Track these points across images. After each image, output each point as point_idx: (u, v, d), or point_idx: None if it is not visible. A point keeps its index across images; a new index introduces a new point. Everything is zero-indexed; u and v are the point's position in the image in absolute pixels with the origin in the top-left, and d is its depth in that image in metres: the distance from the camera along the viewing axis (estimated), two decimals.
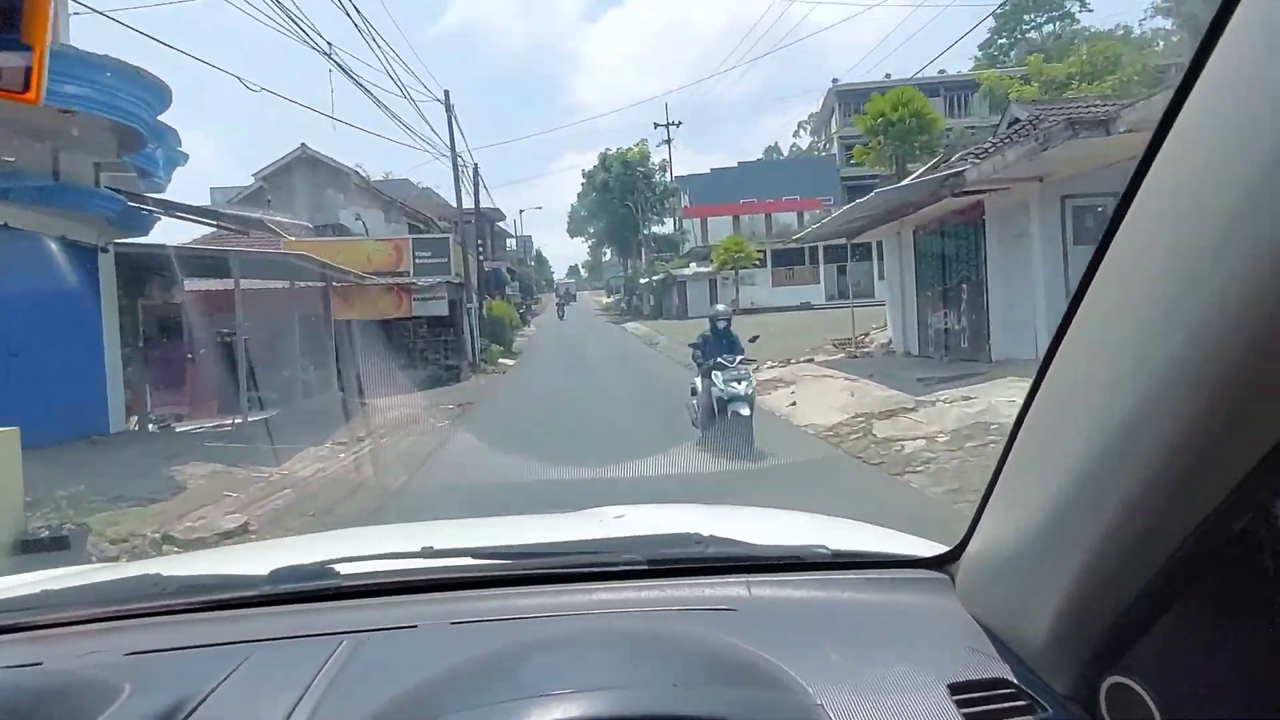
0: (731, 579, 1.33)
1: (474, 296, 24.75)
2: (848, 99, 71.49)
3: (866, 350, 18.85)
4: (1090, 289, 0.83)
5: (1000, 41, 69.16)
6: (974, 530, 1.18)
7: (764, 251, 46.66)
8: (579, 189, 65.24)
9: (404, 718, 0.94)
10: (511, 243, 75.37)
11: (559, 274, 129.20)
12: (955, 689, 0.99)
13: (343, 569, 1.38)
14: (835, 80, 71.04)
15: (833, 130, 74.24)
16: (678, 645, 1.10)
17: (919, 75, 65.66)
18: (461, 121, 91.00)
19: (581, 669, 1.01)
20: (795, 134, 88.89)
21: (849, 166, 71.14)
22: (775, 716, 0.92)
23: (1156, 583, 0.80)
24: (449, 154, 24.43)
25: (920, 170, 18.47)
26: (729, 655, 1.06)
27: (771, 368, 18.01)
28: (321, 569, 1.38)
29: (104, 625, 1.31)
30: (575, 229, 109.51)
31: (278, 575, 1.37)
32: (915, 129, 23.18)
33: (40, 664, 1.16)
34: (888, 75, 70.19)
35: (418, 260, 22.07)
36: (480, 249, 27.29)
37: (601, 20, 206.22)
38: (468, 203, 34.83)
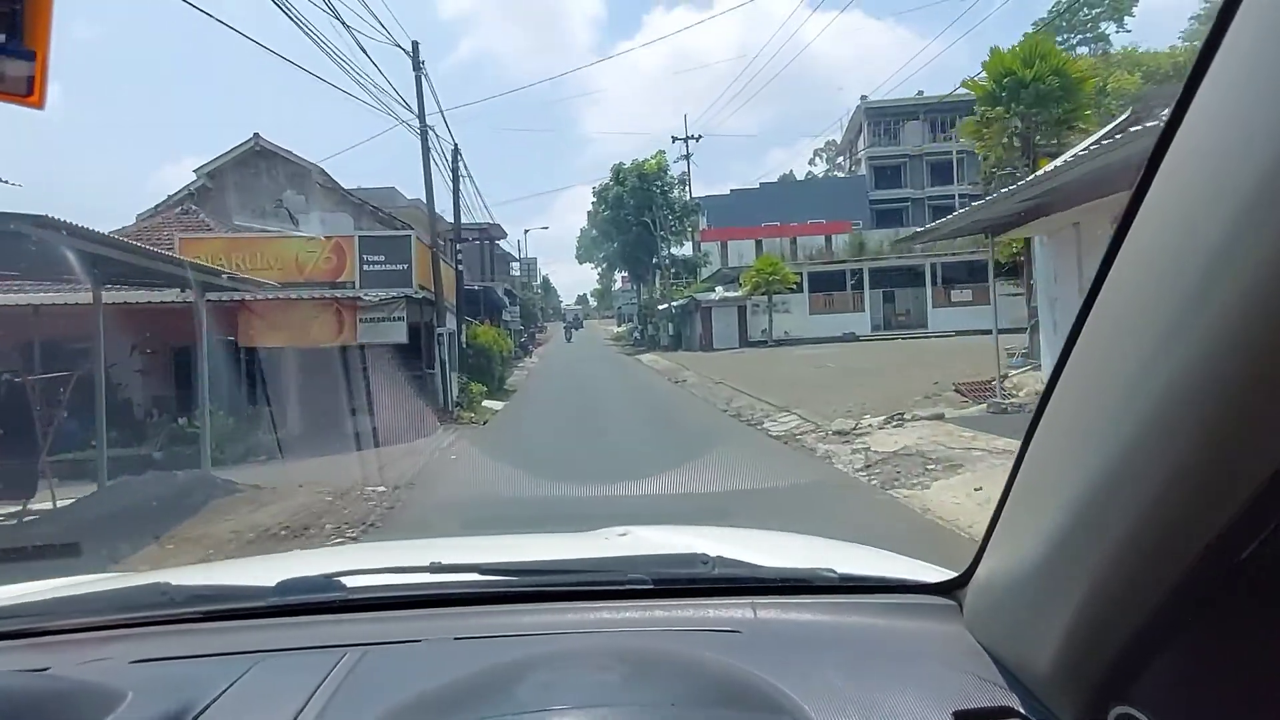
0: (736, 600, 1.31)
1: (448, 319, 18.51)
2: (878, 117, 66.29)
3: (1014, 399, 12.53)
4: (1093, 311, 0.82)
5: None
6: (981, 557, 1.16)
7: (800, 274, 40.57)
8: (589, 208, 59.53)
9: None
10: (515, 267, 69.66)
11: (567, 302, 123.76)
12: (961, 717, 0.97)
13: (349, 582, 1.38)
14: (864, 98, 66.00)
15: (860, 150, 69.16)
16: (680, 666, 1.09)
17: (955, 94, 60.43)
18: (470, 153, 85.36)
19: (581, 688, 1.00)
20: (811, 162, 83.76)
21: (880, 188, 66.27)
22: None
23: (1164, 611, 0.78)
24: (418, 125, 18.39)
25: (1095, 138, 12.26)
26: (731, 677, 1.05)
27: (884, 427, 11.74)
28: (328, 581, 1.38)
29: (111, 633, 1.32)
30: (584, 254, 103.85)
31: (284, 586, 1.36)
32: (1058, 93, 17.03)
33: (47, 669, 1.15)
34: (920, 93, 65.30)
35: (367, 267, 16.01)
36: (459, 262, 21.11)
37: (611, 53, 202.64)
38: (455, 211, 28.91)
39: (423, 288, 16.92)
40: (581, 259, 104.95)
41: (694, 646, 1.16)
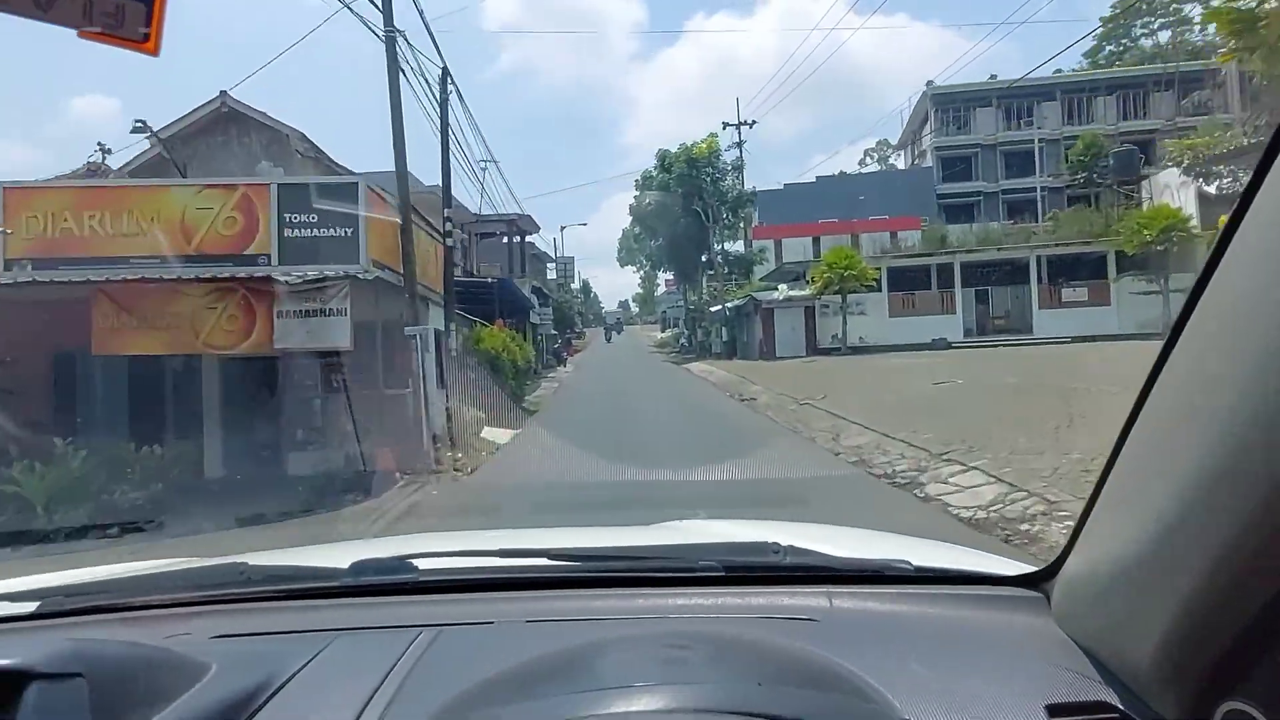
0: (811, 589, 1.30)
1: (430, 316, 12.87)
2: (945, 104, 60.14)
3: None
4: (1206, 292, 0.80)
5: (1109, 49, 62.80)
6: (1071, 548, 1.13)
7: (878, 270, 34.48)
8: (631, 201, 54.04)
9: (481, 706, 0.93)
10: (550, 269, 64.41)
11: (608, 307, 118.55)
12: (1054, 711, 0.95)
13: (422, 564, 1.40)
14: (930, 83, 59.92)
15: (926, 141, 63.14)
16: (759, 650, 1.08)
17: (1030, 77, 54.11)
18: (509, 165, 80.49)
19: (663, 665, 0.99)
20: (862, 162, 77.48)
21: (949, 181, 59.98)
22: None
23: (1276, 605, 0.76)
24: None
25: None
26: (811, 662, 1.04)
27: None
28: (400, 563, 1.41)
29: (192, 609, 1.35)
30: (626, 256, 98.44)
31: (358, 567, 1.40)
32: None
33: (135, 642, 1.14)
34: (993, 76, 58.98)
35: (293, 233, 10.47)
36: (447, 235, 15.48)
37: (651, 61, 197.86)
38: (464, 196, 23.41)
39: (383, 265, 11.31)
40: (623, 261, 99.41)
41: (770, 633, 1.13)
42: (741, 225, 47.65)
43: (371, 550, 1.57)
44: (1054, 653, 1.07)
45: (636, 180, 49.07)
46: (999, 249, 35.54)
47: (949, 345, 32.60)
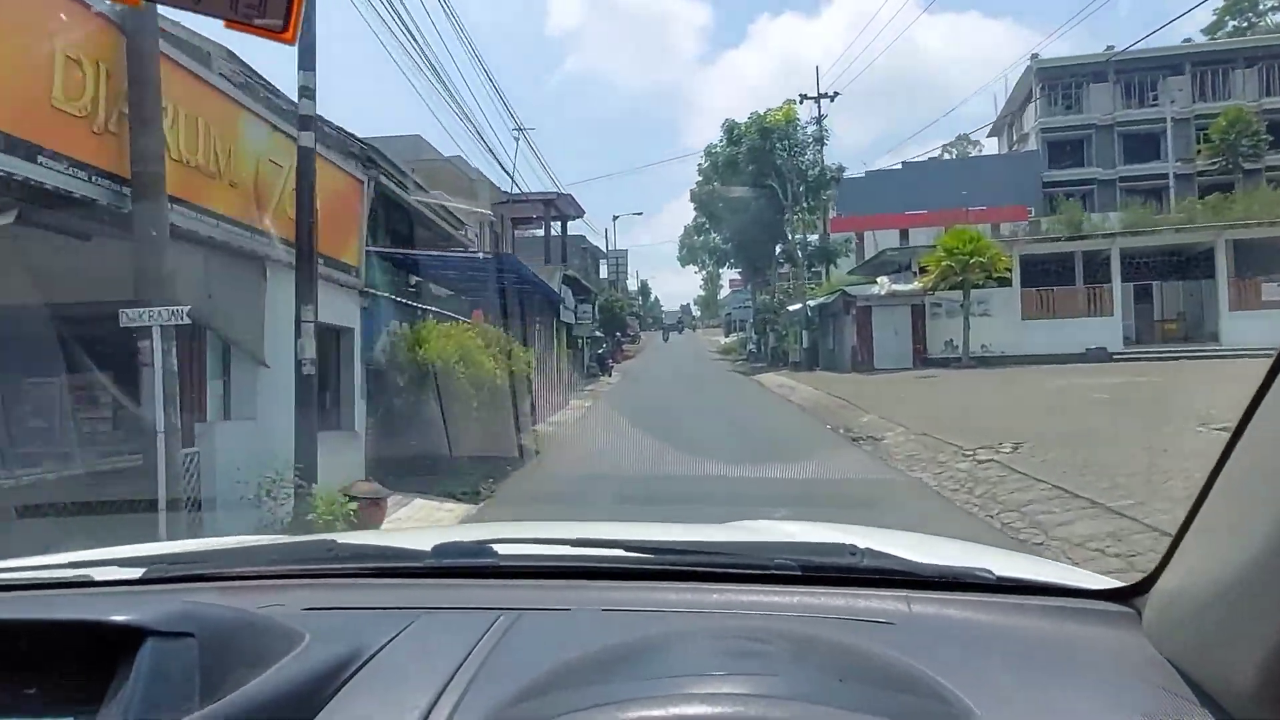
0: (889, 593, 1.27)
1: (307, 305, 5.70)
2: (1053, 80, 52.00)
3: None
4: None
5: (1231, 24, 55.89)
6: (1167, 563, 1.11)
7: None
8: (694, 186, 46.96)
9: (561, 685, 0.95)
10: (602, 265, 57.78)
11: (668, 308, 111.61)
12: None
13: (501, 549, 1.43)
14: (1035, 56, 51.91)
15: (1028, 123, 55.02)
16: (837, 650, 1.07)
17: (1153, 47, 46.21)
18: (574, 161, 73.73)
19: (740, 657, 0.99)
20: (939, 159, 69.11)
21: (1057, 167, 51.98)
22: None
23: None
24: None
25: None
26: (891, 665, 1.02)
27: None
28: (481, 547, 1.45)
29: (283, 582, 1.39)
30: (687, 255, 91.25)
31: (441, 550, 1.43)
32: None
33: (238, 608, 1.19)
34: (1109, 47, 50.82)
35: None
36: (370, 163, 8.47)
37: (717, 63, 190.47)
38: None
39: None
40: (684, 260, 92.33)
41: (847, 634, 1.12)
42: (820, 212, 40.20)
43: (453, 534, 1.67)
44: (1146, 670, 1.03)
45: (699, 164, 41.97)
46: (1178, 229, 27.34)
47: (1109, 356, 24.67)
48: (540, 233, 36.11)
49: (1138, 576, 1.19)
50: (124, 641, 0.93)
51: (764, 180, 36.21)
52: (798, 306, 32.53)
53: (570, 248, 52.75)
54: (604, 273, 59.46)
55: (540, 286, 19.87)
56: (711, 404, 20.80)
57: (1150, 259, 27.71)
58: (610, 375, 33.68)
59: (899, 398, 17.44)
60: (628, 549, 1.41)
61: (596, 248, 57.60)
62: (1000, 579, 1.29)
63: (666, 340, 71.12)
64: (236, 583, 1.42)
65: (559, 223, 38.75)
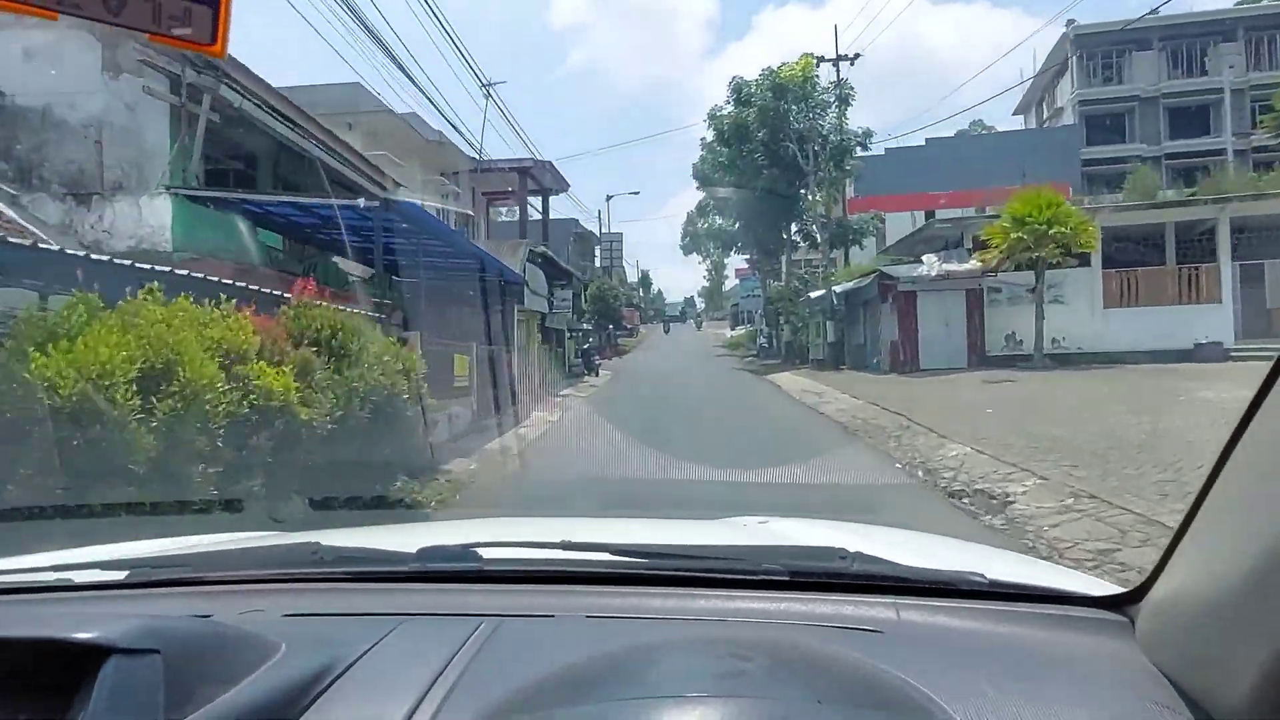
0: (878, 599, 1.25)
1: None
2: (1092, 48, 47.00)
3: None
4: None
5: None
6: (1161, 572, 1.09)
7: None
8: (696, 160, 41.80)
9: (540, 700, 0.94)
10: (600, 255, 52.57)
11: (671, 300, 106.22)
12: None
13: (486, 553, 1.41)
14: (1071, 22, 47.20)
15: (1062, 97, 50.06)
16: (821, 662, 1.06)
17: (1202, 10, 40.84)
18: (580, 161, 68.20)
19: (719, 676, 0.98)
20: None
21: (1096, 144, 46.96)
22: None
23: None
24: None
25: None
26: (875, 678, 1.00)
27: None
28: (465, 551, 1.42)
29: (265, 587, 1.38)
30: (690, 243, 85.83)
31: (425, 554, 1.41)
32: None
33: (210, 615, 1.20)
34: (1153, 11, 45.46)
35: None
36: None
37: (720, 56, 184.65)
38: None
39: None
40: (688, 249, 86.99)
41: (835, 644, 1.11)
42: (840, 187, 34.88)
43: (439, 535, 1.66)
44: (1138, 681, 1.03)
45: (703, 137, 36.61)
46: None
47: (1227, 355, 19.35)
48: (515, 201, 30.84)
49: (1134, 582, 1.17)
50: (89, 658, 0.92)
51: (778, 148, 30.86)
52: (820, 294, 27.22)
53: (560, 233, 47.51)
54: (601, 261, 54.22)
55: (483, 259, 14.52)
56: (718, 419, 15.45)
57: (1260, 232, 22.30)
58: (596, 375, 28.40)
59: (977, 412, 12.19)
60: (614, 553, 1.41)
61: (590, 233, 52.34)
62: (992, 584, 1.28)
63: (668, 332, 67.31)
64: (218, 587, 1.40)
65: (540, 198, 33.49)
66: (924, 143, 45.18)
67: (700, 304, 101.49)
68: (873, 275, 23.36)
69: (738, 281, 71.79)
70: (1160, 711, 0.94)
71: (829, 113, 31.19)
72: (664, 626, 1.19)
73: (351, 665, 1.06)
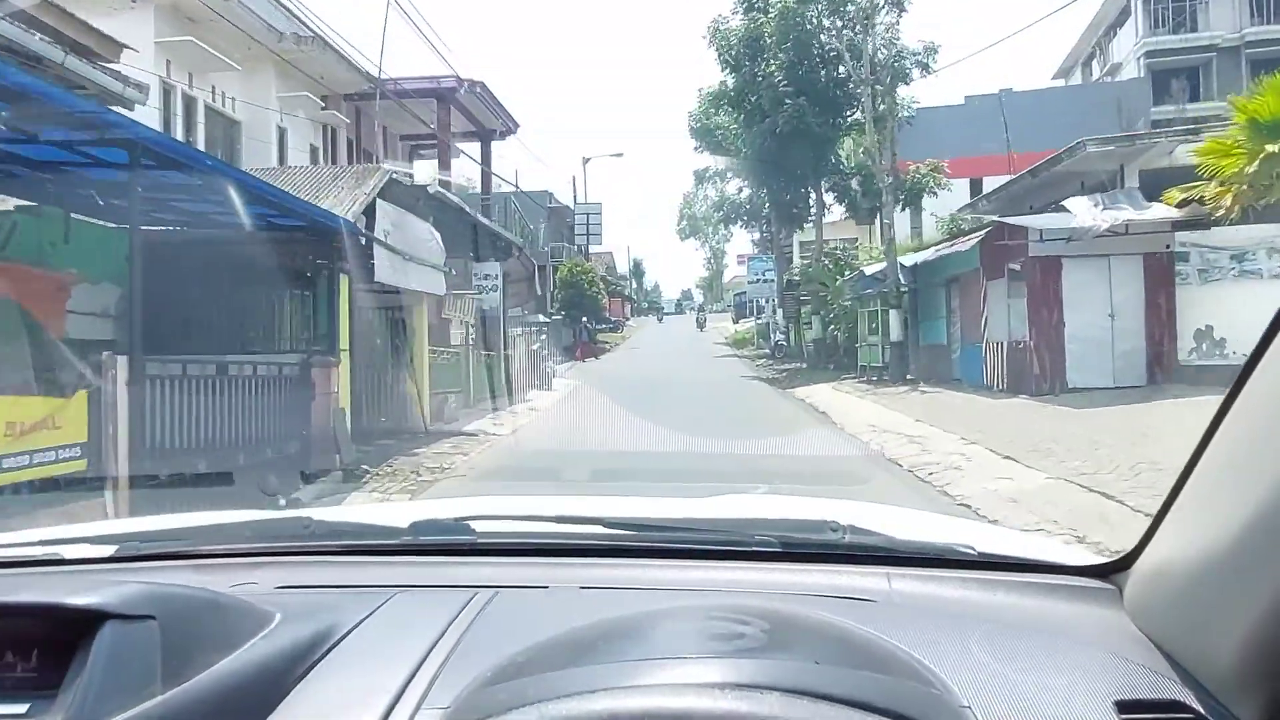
0: (870, 569, 1.28)
1: None
2: None
3: None
4: None
5: None
6: (1150, 539, 1.11)
7: None
8: (693, 108, 32.92)
9: (537, 665, 0.94)
10: (581, 234, 43.62)
11: (668, 296, 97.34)
12: (1124, 707, 0.91)
13: (479, 526, 1.42)
14: None
15: (1124, 50, 42.34)
16: (816, 628, 1.06)
17: None
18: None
19: (717, 638, 0.97)
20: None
21: (1166, 103, 38.78)
22: (922, 709, 0.85)
23: None
24: None
25: None
26: (869, 644, 1.01)
27: None
28: (458, 525, 1.43)
29: (258, 560, 1.38)
30: (688, 226, 76.90)
31: (418, 527, 1.44)
32: None
33: (205, 588, 1.19)
34: None
35: None
36: None
37: None
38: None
39: None
40: (685, 233, 78.01)
41: (827, 611, 1.11)
42: (893, 127, 26.06)
43: (430, 511, 1.61)
44: (1126, 647, 1.04)
45: (700, 89, 27.91)
46: None
47: None
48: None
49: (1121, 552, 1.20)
50: (85, 624, 0.92)
51: (806, 71, 22.01)
52: (876, 269, 18.21)
53: (529, 209, 38.75)
54: (577, 238, 45.42)
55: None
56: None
57: None
58: (549, 388, 19.53)
59: None
60: (607, 525, 1.42)
61: (566, 206, 43.56)
62: (982, 555, 1.30)
63: (661, 321, 62.46)
64: (209, 561, 1.40)
65: (479, 144, 24.65)
66: (964, 100, 36.87)
67: (698, 296, 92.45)
68: (983, 232, 14.38)
69: (747, 261, 62.77)
70: (1148, 675, 0.96)
71: (876, 19, 22.25)
72: (658, 597, 1.18)
73: (346, 635, 1.06)
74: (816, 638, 1.01)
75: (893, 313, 17.25)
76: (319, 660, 1.00)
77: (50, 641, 0.94)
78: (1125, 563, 1.17)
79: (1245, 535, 0.83)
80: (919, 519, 1.70)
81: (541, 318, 25.86)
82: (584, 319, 32.23)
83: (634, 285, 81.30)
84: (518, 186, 35.01)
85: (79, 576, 1.27)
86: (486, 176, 23.13)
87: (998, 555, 1.31)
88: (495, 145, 25.25)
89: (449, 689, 0.92)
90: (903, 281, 17.16)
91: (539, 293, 26.87)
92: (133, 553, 1.40)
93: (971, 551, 1.29)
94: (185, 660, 0.91)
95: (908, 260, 17.24)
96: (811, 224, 30.42)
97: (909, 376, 16.86)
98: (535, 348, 22.05)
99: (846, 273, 23.68)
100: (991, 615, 1.14)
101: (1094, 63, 46.00)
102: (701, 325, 40.15)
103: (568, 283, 34.22)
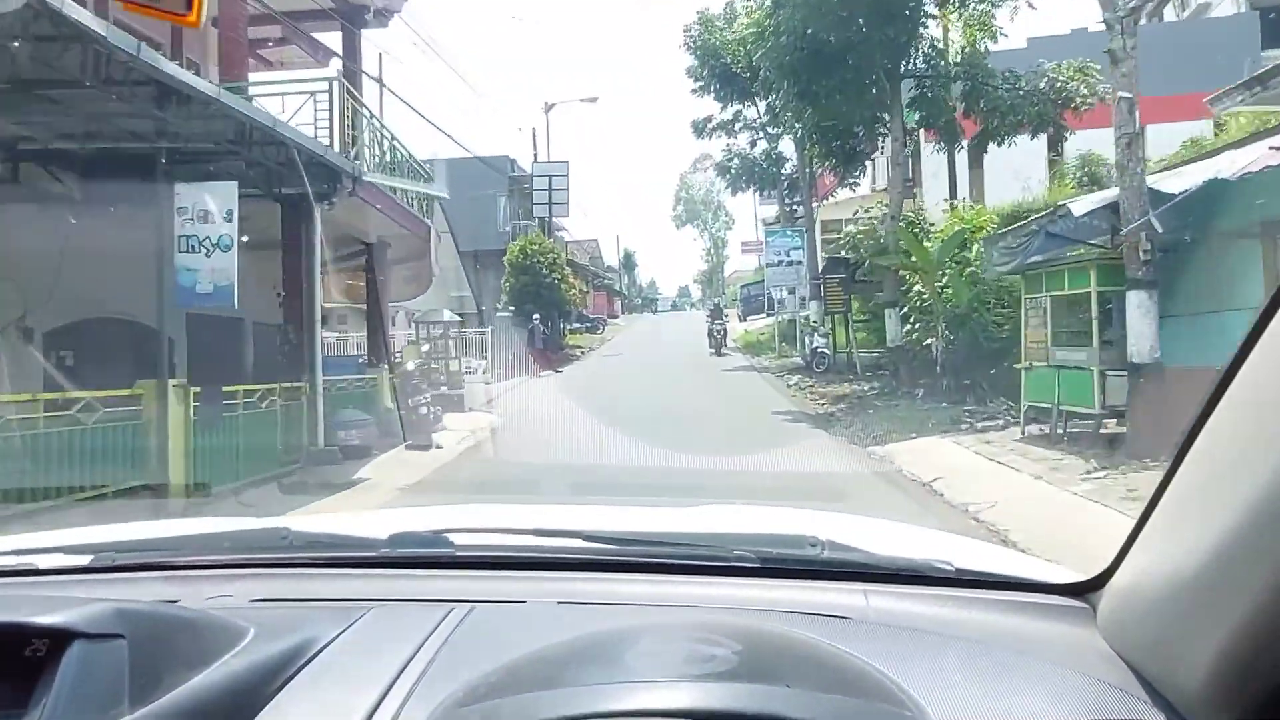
0: (847, 585, 1.28)
1: None
2: None
3: None
4: None
5: None
6: (1123, 559, 1.11)
7: None
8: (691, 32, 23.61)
9: (510, 685, 0.94)
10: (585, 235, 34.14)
11: (665, 294, 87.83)
12: None
13: (457, 539, 1.42)
14: None
15: None
16: (789, 647, 1.06)
17: None
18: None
19: (690, 660, 0.97)
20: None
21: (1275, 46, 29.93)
22: None
23: None
24: None
25: None
26: (844, 664, 1.02)
27: None
28: (437, 537, 1.43)
29: (233, 572, 1.38)
30: (685, 211, 67.40)
31: (396, 540, 1.41)
32: None
33: (177, 601, 1.20)
34: None
35: None
36: None
37: None
38: None
39: None
40: (681, 220, 68.54)
41: (802, 629, 1.12)
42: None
43: (409, 521, 1.59)
44: (1098, 667, 1.04)
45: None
46: None
47: None
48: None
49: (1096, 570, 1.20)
50: (53, 642, 0.92)
51: None
52: (1093, 205, 8.64)
53: (481, 179, 29.59)
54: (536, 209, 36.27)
55: None
56: None
57: None
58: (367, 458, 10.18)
59: None
60: (585, 539, 1.41)
61: (522, 174, 34.24)
62: (959, 571, 1.30)
63: (655, 312, 57.77)
64: (185, 572, 1.40)
65: (340, 35, 15.28)
66: (1027, 44, 28.03)
67: (695, 293, 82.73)
68: None
69: (750, 254, 53.11)
70: (1119, 695, 0.96)
71: None
72: (634, 613, 1.19)
73: (320, 651, 1.05)
74: (790, 658, 1.01)
75: (1136, 296, 7.86)
76: (292, 678, 1.00)
77: (16, 660, 0.92)
78: (1099, 581, 1.17)
79: (1216, 554, 0.83)
80: (898, 532, 1.68)
81: (449, 315, 16.42)
82: (536, 316, 22.77)
83: (626, 280, 71.90)
84: (471, 151, 25.70)
85: (49, 591, 1.27)
86: (354, 77, 13.71)
87: (975, 572, 1.32)
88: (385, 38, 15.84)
89: (422, 707, 0.92)
90: (1156, 226, 7.73)
91: (471, 285, 17.53)
92: (107, 563, 1.39)
93: (949, 568, 1.30)
94: (155, 679, 0.91)
95: (1168, 184, 7.84)
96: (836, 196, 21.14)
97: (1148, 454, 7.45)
98: (423, 367, 12.61)
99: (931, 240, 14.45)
100: (967, 633, 1.14)
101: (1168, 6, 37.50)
102: (717, 344, 26.66)
103: (519, 267, 24.86)
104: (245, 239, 7.84)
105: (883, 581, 1.28)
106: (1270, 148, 7.14)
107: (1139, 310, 7.98)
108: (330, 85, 11.16)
